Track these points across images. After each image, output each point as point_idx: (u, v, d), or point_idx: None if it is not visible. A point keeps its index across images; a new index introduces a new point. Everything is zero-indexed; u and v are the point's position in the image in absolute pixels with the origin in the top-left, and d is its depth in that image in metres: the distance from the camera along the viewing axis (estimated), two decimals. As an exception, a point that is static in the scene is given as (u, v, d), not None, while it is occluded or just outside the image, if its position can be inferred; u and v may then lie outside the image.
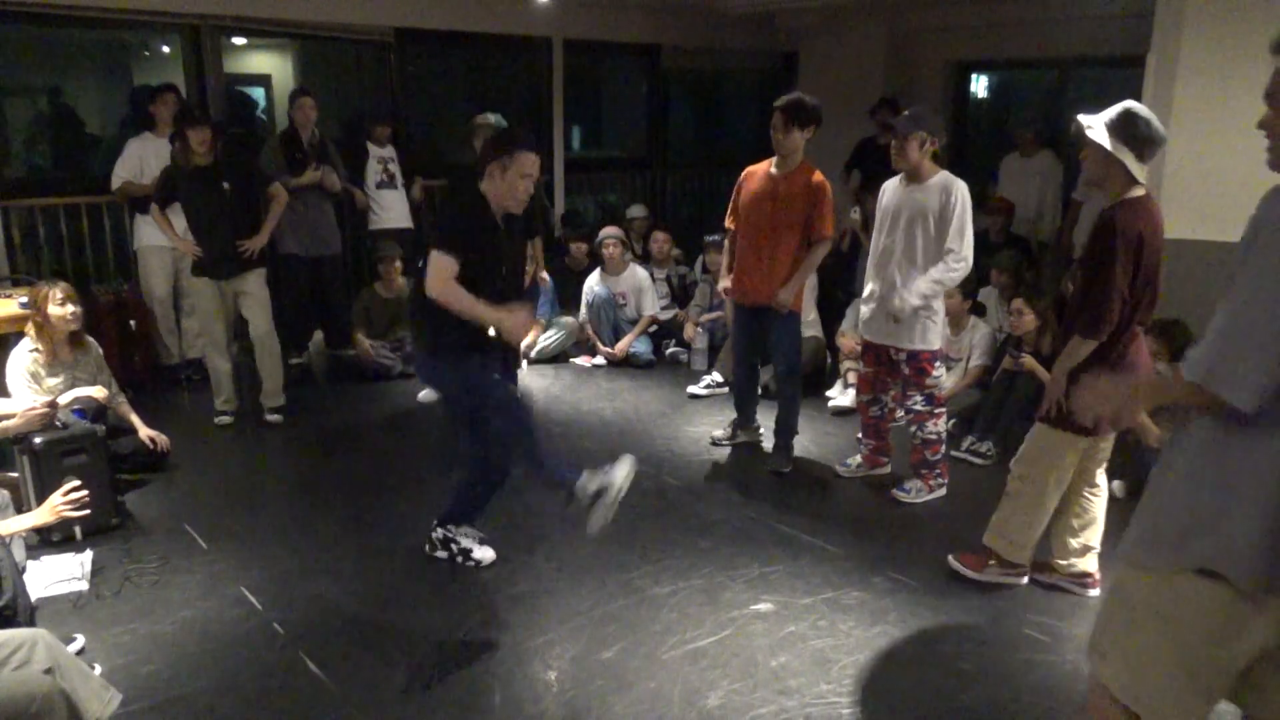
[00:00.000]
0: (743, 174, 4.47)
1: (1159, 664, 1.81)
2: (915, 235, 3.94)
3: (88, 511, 3.09)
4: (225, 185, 4.87)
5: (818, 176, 4.25)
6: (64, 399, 3.90)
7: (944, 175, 3.93)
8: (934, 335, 4.05)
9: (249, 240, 4.94)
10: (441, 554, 3.61)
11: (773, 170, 4.31)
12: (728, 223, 4.54)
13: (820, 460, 4.71)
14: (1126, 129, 2.78)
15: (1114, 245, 2.80)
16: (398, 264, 6.00)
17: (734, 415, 4.96)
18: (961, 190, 3.89)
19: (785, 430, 4.60)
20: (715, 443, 4.92)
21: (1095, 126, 2.81)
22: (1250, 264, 1.63)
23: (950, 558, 3.54)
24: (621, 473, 3.16)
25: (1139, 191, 2.86)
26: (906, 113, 4.00)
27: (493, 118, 5.16)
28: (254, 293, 5.03)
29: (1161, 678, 1.81)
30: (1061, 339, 3.12)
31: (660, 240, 6.92)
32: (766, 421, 4.85)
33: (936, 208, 3.89)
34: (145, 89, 6.12)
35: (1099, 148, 2.81)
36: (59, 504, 2.95)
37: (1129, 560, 1.88)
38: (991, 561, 3.44)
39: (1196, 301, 3.53)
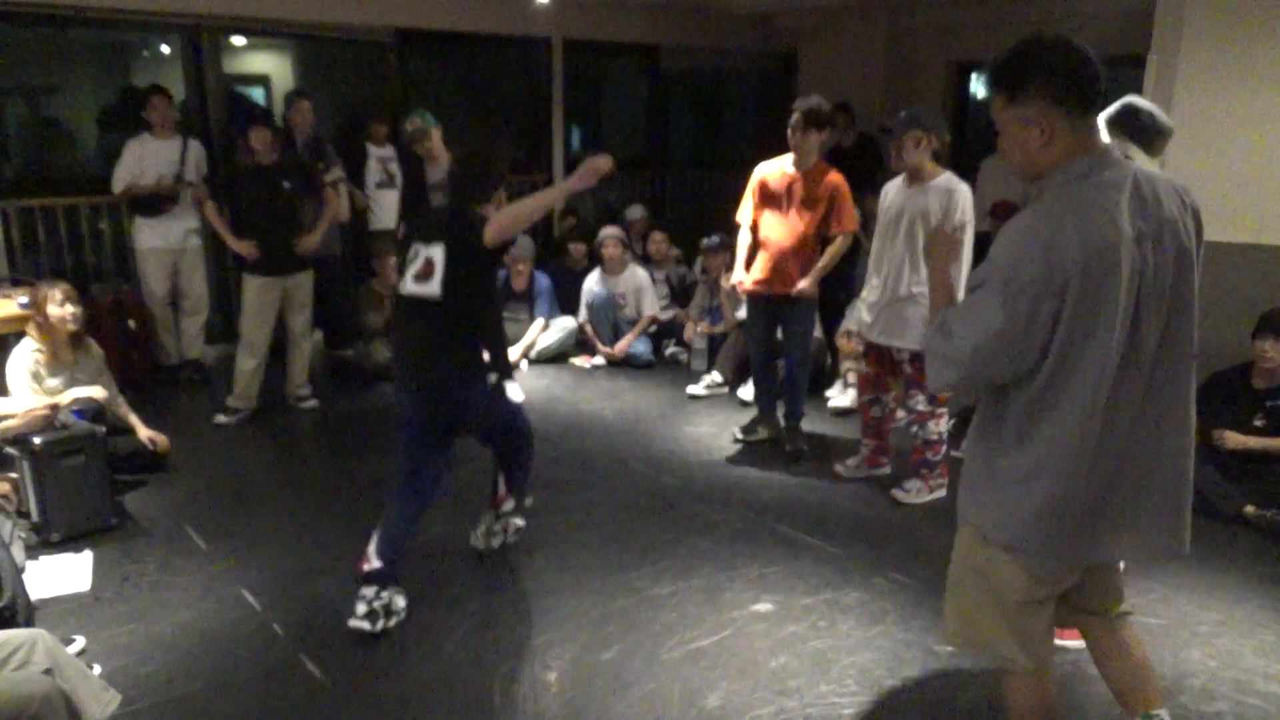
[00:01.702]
0: (757, 171, 4.57)
1: (979, 613, 2.07)
2: (916, 238, 3.93)
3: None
4: (286, 184, 5.00)
5: (835, 175, 4.42)
6: (64, 398, 3.90)
7: (947, 177, 3.92)
8: None
9: (305, 240, 5.10)
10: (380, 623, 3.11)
11: (791, 168, 4.43)
12: (740, 218, 4.62)
13: (820, 460, 4.71)
14: (1129, 123, 2.76)
15: None
16: (393, 260, 6.00)
17: (737, 414, 5.10)
18: (964, 196, 3.88)
19: (796, 414, 4.83)
20: (737, 439, 4.95)
21: (1099, 125, 2.80)
22: (977, 281, 1.88)
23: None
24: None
25: None
26: (903, 113, 3.96)
27: (419, 119, 5.23)
28: (302, 293, 5.23)
29: (984, 625, 2.06)
30: None
31: (658, 240, 6.91)
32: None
33: (939, 211, 3.88)
34: (133, 91, 6.12)
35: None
36: None
37: (961, 523, 2.11)
38: None
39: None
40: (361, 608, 3.07)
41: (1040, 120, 1.80)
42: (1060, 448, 1.86)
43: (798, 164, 4.41)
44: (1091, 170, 1.81)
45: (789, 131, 4.34)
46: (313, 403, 5.41)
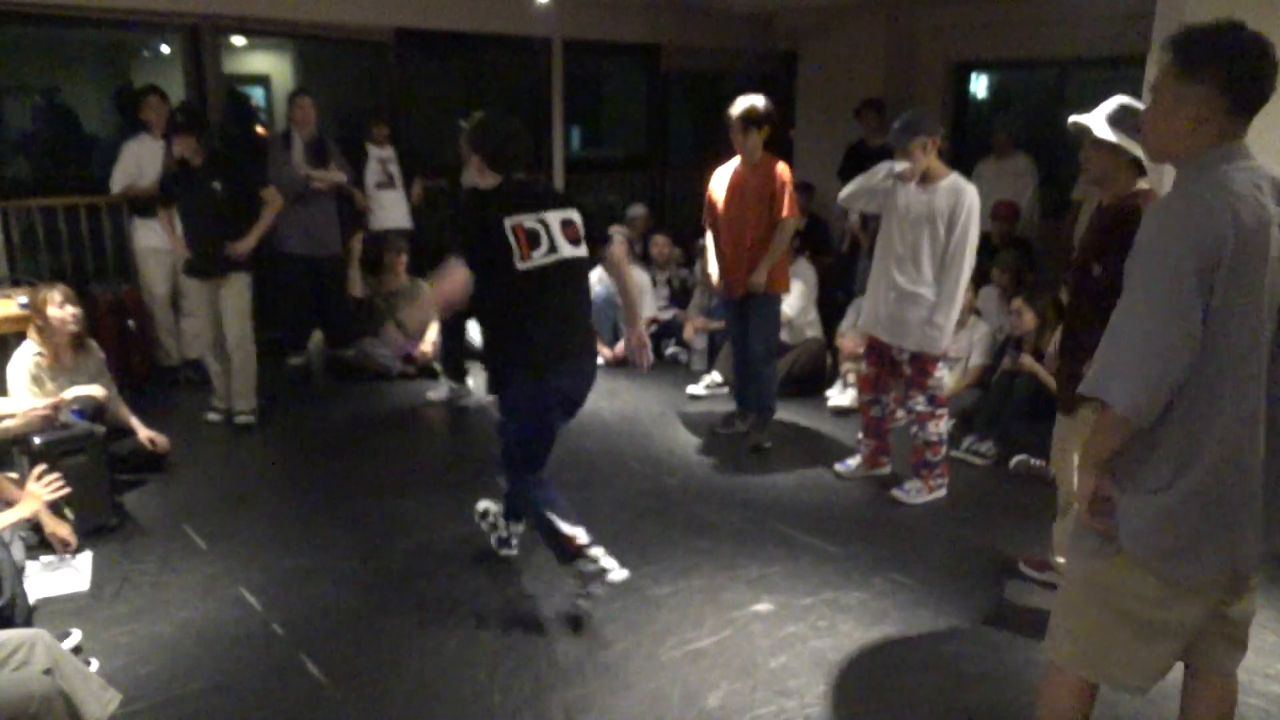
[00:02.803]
0: (713, 174, 4.72)
1: (1105, 633, 1.97)
2: (922, 238, 3.94)
3: (69, 490, 3.17)
4: (215, 185, 4.82)
5: (779, 166, 4.54)
6: (64, 396, 3.90)
7: (954, 179, 3.93)
8: (940, 342, 4.04)
9: (236, 243, 4.87)
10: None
11: (740, 167, 4.58)
12: (704, 221, 4.79)
13: (820, 460, 4.71)
14: (1131, 121, 2.75)
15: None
16: (403, 258, 6.02)
17: (734, 409, 5.13)
18: (971, 197, 3.89)
19: (763, 409, 4.86)
20: (716, 434, 5.01)
21: (1097, 125, 2.80)
22: (1127, 282, 1.80)
23: (1021, 563, 3.56)
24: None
25: (1146, 184, 2.85)
26: (897, 125, 3.95)
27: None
28: (232, 297, 4.93)
29: (1109, 645, 1.97)
30: (1075, 337, 2.98)
31: (660, 244, 6.92)
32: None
33: (945, 212, 3.89)
34: (129, 91, 6.11)
35: (1106, 144, 2.79)
36: (36, 490, 3.03)
37: (1074, 549, 2.06)
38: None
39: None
40: (606, 560, 3.09)
41: (1199, 104, 1.78)
42: (1205, 441, 1.80)
43: (745, 162, 4.54)
44: (1233, 158, 1.80)
45: (731, 135, 4.50)
46: (247, 419, 5.05)
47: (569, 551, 3.11)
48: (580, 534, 3.11)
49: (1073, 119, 2.85)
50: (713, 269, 4.78)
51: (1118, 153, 2.80)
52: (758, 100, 4.48)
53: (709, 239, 4.79)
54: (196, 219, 4.88)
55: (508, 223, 3.06)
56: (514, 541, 3.63)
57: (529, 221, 3.10)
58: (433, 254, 3.14)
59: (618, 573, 3.09)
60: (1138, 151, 2.75)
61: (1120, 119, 2.78)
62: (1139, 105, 2.80)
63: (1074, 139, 2.91)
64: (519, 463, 3.27)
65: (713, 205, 4.68)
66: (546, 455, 3.31)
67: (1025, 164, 6.60)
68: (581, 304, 3.30)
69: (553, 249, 3.12)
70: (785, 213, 4.49)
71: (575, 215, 3.23)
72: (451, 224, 3.22)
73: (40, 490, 3.03)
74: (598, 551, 3.10)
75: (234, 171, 4.98)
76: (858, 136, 7.25)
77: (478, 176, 3.24)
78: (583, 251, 3.23)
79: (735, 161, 4.61)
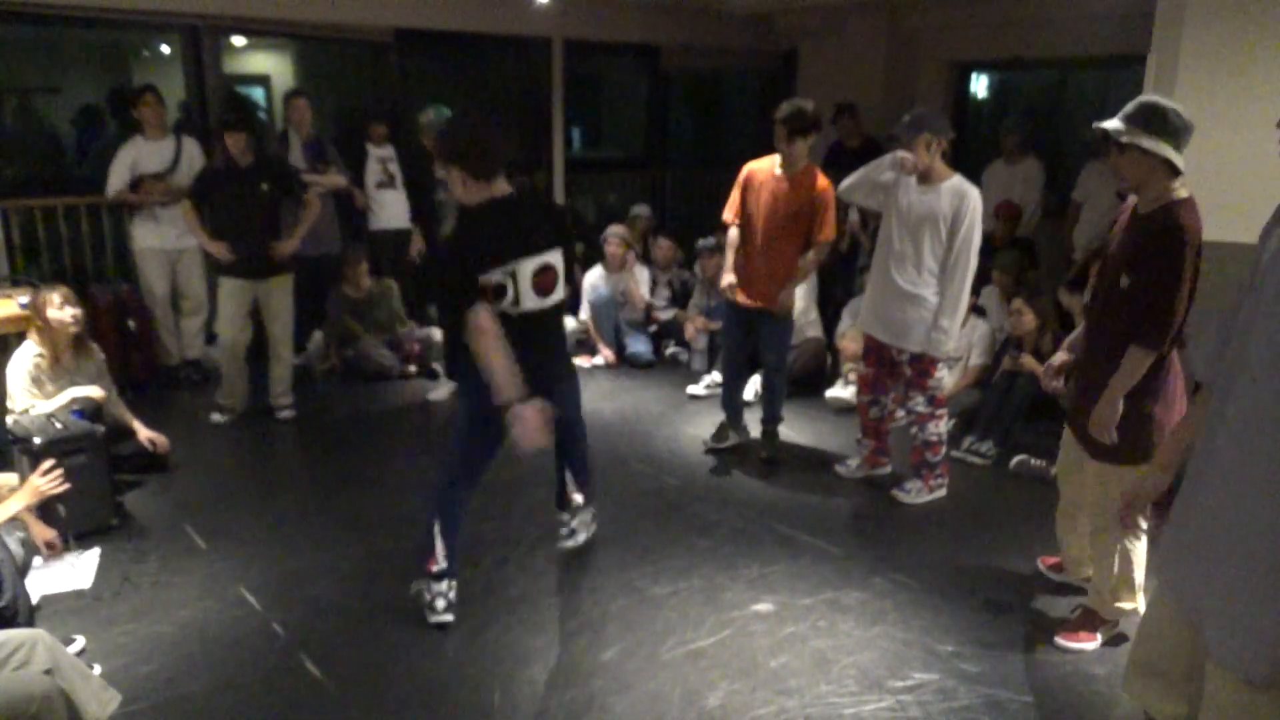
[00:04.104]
0: (745, 171, 4.44)
1: None
2: (922, 239, 3.92)
3: (67, 486, 3.12)
4: (264, 186, 4.90)
5: (823, 181, 4.28)
6: (62, 398, 3.90)
7: (957, 181, 3.89)
8: (944, 345, 4.01)
9: (280, 244, 4.96)
10: None
11: (778, 171, 4.31)
12: (727, 217, 4.50)
13: (820, 461, 4.71)
14: (1158, 122, 2.66)
15: (1181, 247, 2.65)
16: (363, 265, 6.01)
17: (722, 420, 4.92)
18: (975, 199, 3.85)
19: (771, 418, 4.71)
20: (708, 449, 4.86)
21: (1125, 129, 2.68)
22: None
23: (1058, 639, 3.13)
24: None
25: (1184, 191, 2.73)
26: (907, 118, 3.90)
27: (432, 113, 5.11)
28: (279, 298, 5.07)
29: None
30: (1096, 351, 2.92)
31: (663, 248, 6.90)
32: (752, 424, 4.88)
33: (948, 214, 3.86)
34: (123, 91, 6.10)
35: (1134, 149, 2.68)
36: (39, 484, 3.00)
37: (1239, 673, 1.64)
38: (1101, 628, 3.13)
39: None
40: (441, 602, 3.19)
41: None
42: None
43: (785, 168, 4.29)
44: None
45: (776, 142, 4.23)
46: (289, 413, 5.25)
47: (426, 570, 3.20)
48: (443, 563, 3.17)
49: (1097, 124, 2.75)
50: (729, 277, 4.45)
51: (1148, 155, 2.68)
52: (806, 105, 4.18)
53: (732, 236, 4.49)
54: (241, 219, 4.91)
55: (480, 278, 2.86)
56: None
57: (497, 276, 2.88)
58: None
59: (442, 616, 3.18)
60: (1168, 153, 2.65)
61: (1146, 119, 2.66)
62: (1168, 103, 2.68)
63: (1103, 143, 2.80)
64: (455, 469, 3.15)
65: (744, 205, 4.41)
66: (479, 474, 3.19)
67: (1035, 169, 6.54)
68: (549, 342, 3.16)
69: (516, 302, 2.94)
70: (826, 234, 4.29)
71: (556, 258, 3.03)
72: (429, 271, 3.16)
73: (41, 483, 3.01)
74: (443, 587, 3.20)
75: (283, 174, 5.08)
76: (836, 138, 7.27)
77: (461, 191, 2.92)
78: (555, 299, 3.07)
79: (772, 162, 4.33)
